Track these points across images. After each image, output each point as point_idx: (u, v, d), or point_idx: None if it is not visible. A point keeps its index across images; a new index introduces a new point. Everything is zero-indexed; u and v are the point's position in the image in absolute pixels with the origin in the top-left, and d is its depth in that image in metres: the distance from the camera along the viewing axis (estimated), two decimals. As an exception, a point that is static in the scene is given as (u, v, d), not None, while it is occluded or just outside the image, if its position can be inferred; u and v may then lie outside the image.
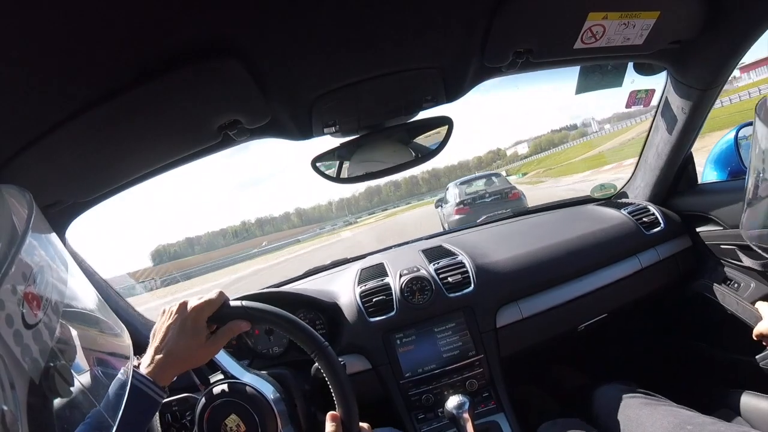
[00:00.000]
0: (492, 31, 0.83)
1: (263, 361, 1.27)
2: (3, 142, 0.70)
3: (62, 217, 1.01)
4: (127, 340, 0.56)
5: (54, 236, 0.48)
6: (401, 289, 1.24)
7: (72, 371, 0.43)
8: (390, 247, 1.68)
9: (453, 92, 1.04)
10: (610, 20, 0.89)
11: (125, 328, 0.56)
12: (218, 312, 0.72)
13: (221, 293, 0.74)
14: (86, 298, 0.52)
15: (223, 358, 0.84)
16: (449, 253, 1.35)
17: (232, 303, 0.73)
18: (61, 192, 0.91)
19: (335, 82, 0.89)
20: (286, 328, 0.73)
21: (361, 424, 0.74)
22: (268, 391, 0.82)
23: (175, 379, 0.71)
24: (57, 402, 0.41)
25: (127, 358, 0.55)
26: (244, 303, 0.74)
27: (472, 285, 1.24)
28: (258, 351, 1.29)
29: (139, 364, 0.70)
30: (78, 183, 0.92)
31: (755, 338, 1.11)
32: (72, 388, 0.42)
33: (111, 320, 0.55)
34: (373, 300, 1.24)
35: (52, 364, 0.40)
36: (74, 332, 0.47)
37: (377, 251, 1.67)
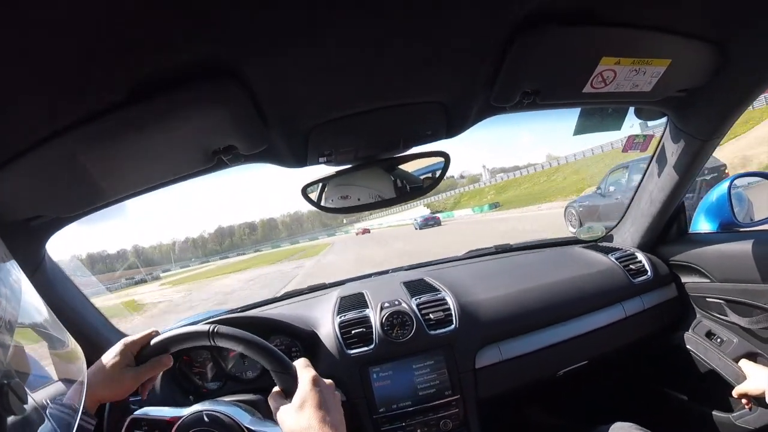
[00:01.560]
0: (502, 70, 0.81)
1: (237, 385, 1.23)
2: None
3: (43, 230, 0.96)
4: (80, 358, 0.57)
5: (6, 253, 0.49)
6: (381, 323, 1.21)
7: (26, 388, 0.43)
8: (370, 275, 1.65)
9: (454, 128, 1.01)
10: (622, 66, 0.87)
11: (78, 346, 0.57)
12: (142, 351, 0.78)
13: (150, 333, 0.79)
14: (40, 317, 0.52)
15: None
16: (432, 288, 1.32)
17: (155, 339, 0.78)
18: (44, 207, 0.87)
19: (335, 111, 0.86)
20: (250, 351, 0.77)
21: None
22: (245, 419, 0.79)
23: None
24: (10, 420, 0.41)
25: (81, 374, 0.55)
26: (168, 334, 0.77)
27: (454, 323, 1.21)
28: (232, 374, 1.25)
29: None
30: (62, 199, 0.88)
31: (736, 396, 1.10)
32: (26, 406, 0.42)
33: (65, 338, 0.56)
34: (352, 332, 1.21)
35: (5, 382, 0.40)
36: (28, 350, 0.46)
37: (356, 278, 1.64)
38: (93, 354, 1.21)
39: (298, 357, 1.23)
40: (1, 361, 0.41)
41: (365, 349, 1.19)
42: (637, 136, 1.37)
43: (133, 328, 1.29)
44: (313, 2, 0.54)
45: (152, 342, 0.78)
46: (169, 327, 1.64)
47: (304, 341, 1.24)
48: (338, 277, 1.65)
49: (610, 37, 0.77)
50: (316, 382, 0.69)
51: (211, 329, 0.75)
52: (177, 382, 1.24)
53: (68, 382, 0.54)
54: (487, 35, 0.71)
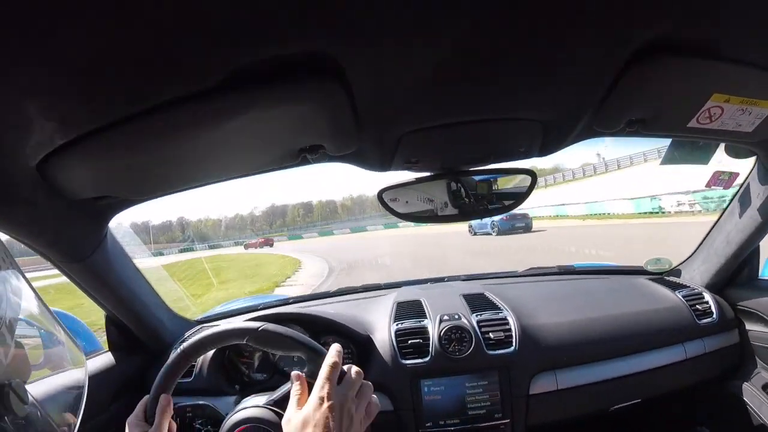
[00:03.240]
0: (611, 96, 0.76)
1: (284, 379, 1.22)
2: (63, 126, 0.62)
3: (108, 210, 0.94)
4: (82, 363, 0.58)
5: (7, 255, 0.48)
6: (439, 336, 1.18)
7: (27, 389, 0.43)
8: (426, 281, 1.62)
9: (549, 147, 0.96)
10: (731, 104, 0.83)
11: (80, 346, 0.56)
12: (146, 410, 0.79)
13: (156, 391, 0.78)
14: (43, 318, 0.53)
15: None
16: (493, 306, 1.29)
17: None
18: (115, 188, 0.84)
19: (431, 120, 0.82)
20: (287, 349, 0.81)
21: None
22: None
23: None
24: (11, 419, 0.42)
25: (82, 379, 0.56)
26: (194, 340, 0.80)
27: (514, 345, 1.18)
28: (280, 368, 1.24)
29: None
30: (136, 183, 0.85)
31: None
32: (26, 406, 0.43)
33: (65, 338, 0.56)
34: (409, 342, 1.19)
35: (6, 382, 0.41)
36: (28, 350, 0.47)
37: (413, 282, 1.61)
38: (144, 335, 1.22)
39: (350, 360, 1.22)
40: (1, 361, 0.41)
41: (420, 360, 1.17)
42: (723, 172, 1.30)
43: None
44: (431, 9, 0.50)
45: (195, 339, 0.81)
46: (216, 311, 1.65)
47: (359, 345, 1.22)
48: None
49: (727, 73, 0.73)
50: (329, 397, 0.63)
51: (254, 327, 0.79)
52: (225, 370, 1.23)
53: (68, 384, 0.55)
54: (605, 61, 0.66)
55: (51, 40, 0.44)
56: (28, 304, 0.50)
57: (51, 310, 0.55)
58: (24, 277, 0.50)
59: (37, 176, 0.70)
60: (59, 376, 0.54)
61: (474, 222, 16.20)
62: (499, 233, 17.66)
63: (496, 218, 14.95)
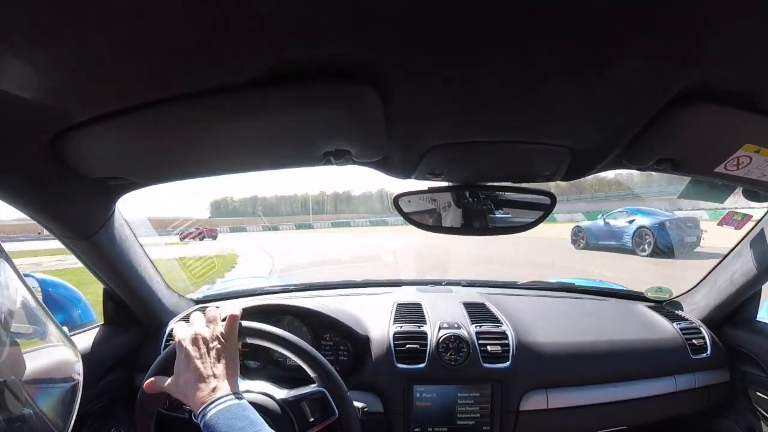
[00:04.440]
0: (645, 135, 0.76)
1: (277, 370, 1.24)
2: (81, 104, 0.61)
3: (118, 190, 0.93)
4: (77, 358, 0.58)
5: (4, 252, 0.47)
6: (437, 343, 1.18)
7: (22, 387, 0.44)
8: (427, 282, 1.62)
9: (573, 174, 0.95)
10: (761, 155, 0.83)
11: (76, 345, 0.57)
12: None
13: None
14: (37, 315, 0.52)
15: None
16: (493, 318, 1.29)
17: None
18: (129, 169, 0.83)
19: (461, 136, 0.81)
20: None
21: None
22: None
23: None
24: (6, 417, 0.42)
25: (77, 375, 0.57)
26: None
27: (509, 361, 1.18)
28: (274, 358, 1.25)
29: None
30: (151, 166, 0.84)
31: None
32: (21, 404, 0.43)
33: (61, 336, 0.56)
34: (406, 346, 1.19)
35: (1, 380, 0.41)
36: (23, 348, 0.47)
37: (413, 282, 1.61)
38: (142, 312, 1.22)
39: (345, 358, 1.23)
40: None
41: (415, 366, 1.17)
42: (736, 213, 1.30)
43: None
44: (478, 29, 0.49)
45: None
46: (215, 291, 1.64)
47: (356, 344, 1.22)
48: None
49: (761, 126, 0.73)
50: (180, 342, 0.76)
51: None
52: None
53: (63, 381, 0.55)
54: (647, 98, 0.66)
55: (77, 16, 0.42)
56: (22, 300, 0.49)
57: (44, 306, 0.55)
58: (17, 272, 0.50)
59: (51, 151, 0.69)
60: (54, 373, 0.54)
61: (588, 224, 10.51)
62: (656, 253, 8.41)
63: (644, 222, 8.72)
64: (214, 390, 0.69)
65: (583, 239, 10.51)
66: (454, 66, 0.57)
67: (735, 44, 0.52)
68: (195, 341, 0.75)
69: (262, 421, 0.67)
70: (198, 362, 0.72)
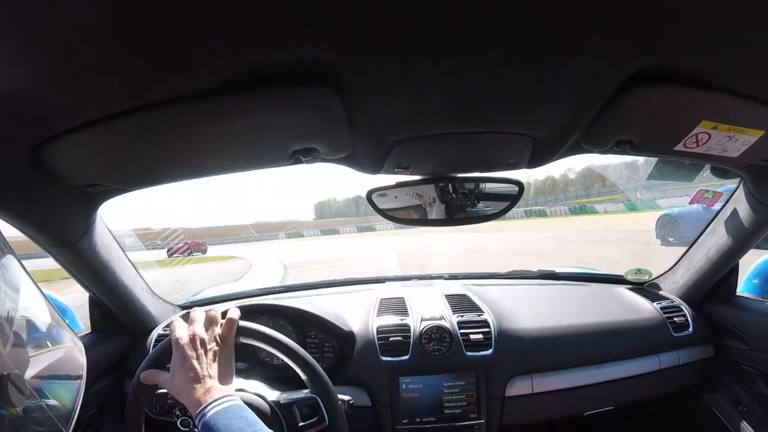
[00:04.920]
0: (602, 117, 0.78)
1: (265, 370, 1.25)
2: (59, 115, 0.63)
3: (98, 196, 0.95)
4: (80, 352, 0.58)
5: (5, 245, 0.48)
6: (420, 335, 1.20)
7: (26, 380, 0.43)
8: (410, 278, 1.64)
9: (537, 161, 0.98)
10: (718, 131, 0.85)
11: (79, 340, 0.57)
12: None
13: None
14: (40, 309, 0.53)
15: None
16: (475, 308, 1.31)
17: None
18: (108, 176, 0.85)
19: (425, 130, 0.83)
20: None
21: None
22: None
23: None
24: (10, 411, 0.42)
25: (80, 369, 0.57)
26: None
27: (492, 348, 1.20)
28: (261, 358, 1.26)
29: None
30: (128, 173, 0.86)
31: None
32: (25, 398, 0.43)
33: (65, 331, 0.56)
34: (390, 339, 1.21)
35: (5, 374, 0.41)
36: (26, 341, 0.47)
37: (396, 278, 1.63)
38: (128, 319, 1.24)
39: (330, 354, 1.25)
40: (0, 352, 0.40)
41: (399, 358, 1.19)
42: (707, 191, 1.33)
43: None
44: (432, 23, 0.51)
45: None
46: (200, 296, 1.66)
47: (340, 340, 1.24)
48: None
49: (716, 102, 0.75)
50: (177, 341, 0.76)
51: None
52: None
53: (66, 378, 0.55)
54: (600, 83, 0.68)
55: (54, 30, 0.45)
56: (27, 294, 0.49)
57: (49, 299, 0.55)
58: (22, 265, 0.50)
59: (31, 161, 0.71)
60: (57, 367, 0.54)
61: (681, 211, 7.82)
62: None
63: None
64: (210, 390, 0.70)
65: (673, 232, 7.94)
66: (410, 63, 0.59)
67: (687, 25, 0.54)
68: (193, 341, 0.75)
69: (260, 421, 0.68)
70: (195, 362, 0.73)
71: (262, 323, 1.19)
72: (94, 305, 1.21)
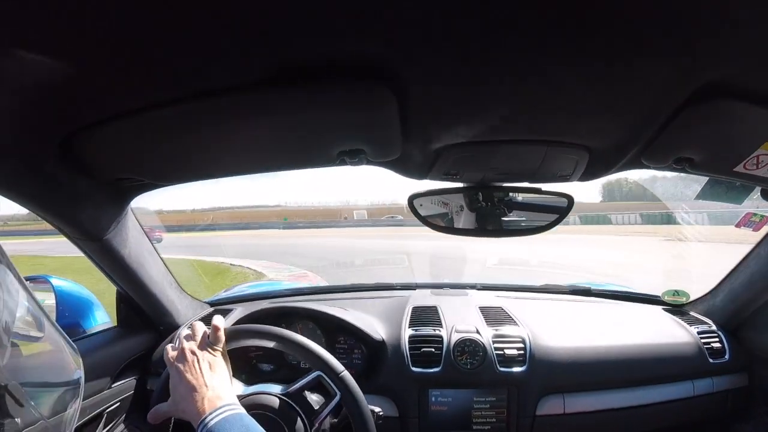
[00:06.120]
0: (665, 133, 0.75)
1: (291, 372, 1.22)
2: (96, 102, 0.60)
3: (131, 191, 0.93)
4: (78, 362, 0.57)
5: (2, 255, 0.47)
6: (452, 347, 1.17)
7: (24, 391, 0.43)
8: (442, 286, 1.61)
9: (591, 174, 0.94)
10: None
11: (77, 349, 0.56)
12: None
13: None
14: (38, 318, 0.52)
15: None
16: (511, 322, 1.28)
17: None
18: (141, 170, 0.83)
19: (477, 136, 0.80)
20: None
21: None
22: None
23: None
24: (7, 423, 0.41)
25: (78, 379, 0.56)
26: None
27: (526, 365, 1.17)
28: (288, 360, 1.24)
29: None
30: (164, 167, 0.83)
31: None
32: (23, 409, 0.42)
33: (63, 340, 0.55)
34: (422, 350, 1.18)
35: (3, 384, 0.40)
36: (24, 352, 0.47)
37: (428, 285, 1.60)
38: (155, 314, 1.22)
39: (359, 361, 1.22)
40: None
41: (431, 370, 1.16)
42: (755, 214, 1.28)
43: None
44: (497, 27, 0.48)
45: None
46: (228, 294, 1.64)
47: (370, 347, 1.21)
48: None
49: None
50: (170, 361, 0.77)
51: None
52: (233, 359, 1.23)
53: (65, 389, 0.53)
54: (666, 95, 0.64)
55: (95, 16, 0.42)
56: (24, 304, 0.49)
57: (45, 310, 0.54)
58: (18, 275, 0.49)
59: (62, 153, 0.69)
60: (55, 378, 0.54)
61: None
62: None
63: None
64: (209, 400, 0.70)
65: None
66: (472, 65, 0.56)
67: (756, 39, 0.51)
68: (183, 356, 0.76)
69: (258, 426, 0.68)
70: (189, 375, 0.73)
71: (289, 326, 1.18)
72: (121, 299, 1.19)
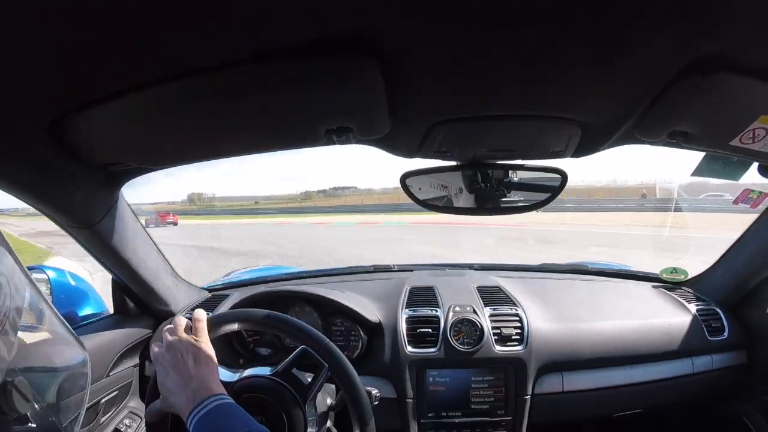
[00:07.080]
0: (658, 105, 0.73)
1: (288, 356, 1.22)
2: (84, 84, 0.59)
3: (121, 176, 0.92)
4: (84, 354, 0.57)
5: (9, 249, 0.47)
6: (450, 327, 1.17)
7: (30, 387, 0.44)
8: (440, 266, 1.60)
9: (584, 150, 0.93)
10: None
11: (82, 342, 0.56)
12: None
13: None
14: (45, 314, 0.52)
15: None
16: (508, 301, 1.27)
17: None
18: (130, 154, 0.82)
19: (468, 111, 0.79)
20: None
21: None
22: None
23: None
24: (14, 416, 0.42)
25: (85, 372, 0.57)
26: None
27: (524, 344, 1.17)
28: (286, 344, 1.23)
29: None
30: (152, 150, 0.82)
31: None
32: (29, 403, 0.43)
33: (66, 332, 0.56)
34: (418, 330, 1.18)
35: (9, 380, 0.41)
36: (31, 347, 0.48)
37: (426, 266, 1.59)
38: (151, 301, 1.21)
39: (356, 343, 1.21)
40: (4, 358, 0.40)
41: (428, 351, 1.16)
42: (752, 191, 1.27)
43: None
44: (487, 1, 0.47)
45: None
46: (224, 280, 1.64)
47: (367, 329, 1.21)
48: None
49: None
50: (154, 357, 0.76)
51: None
52: (230, 343, 1.23)
53: (70, 382, 0.55)
54: (661, 66, 0.63)
55: None
56: (30, 298, 0.49)
57: (50, 302, 0.55)
58: (23, 269, 0.49)
59: (51, 137, 0.68)
60: (61, 372, 0.54)
61: None
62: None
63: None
64: (196, 392, 0.70)
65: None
66: (461, 38, 0.55)
67: (752, 12, 0.50)
68: (169, 350, 0.76)
69: (247, 414, 0.68)
70: (174, 370, 0.73)
71: (285, 310, 1.17)
72: (117, 287, 1.19)
